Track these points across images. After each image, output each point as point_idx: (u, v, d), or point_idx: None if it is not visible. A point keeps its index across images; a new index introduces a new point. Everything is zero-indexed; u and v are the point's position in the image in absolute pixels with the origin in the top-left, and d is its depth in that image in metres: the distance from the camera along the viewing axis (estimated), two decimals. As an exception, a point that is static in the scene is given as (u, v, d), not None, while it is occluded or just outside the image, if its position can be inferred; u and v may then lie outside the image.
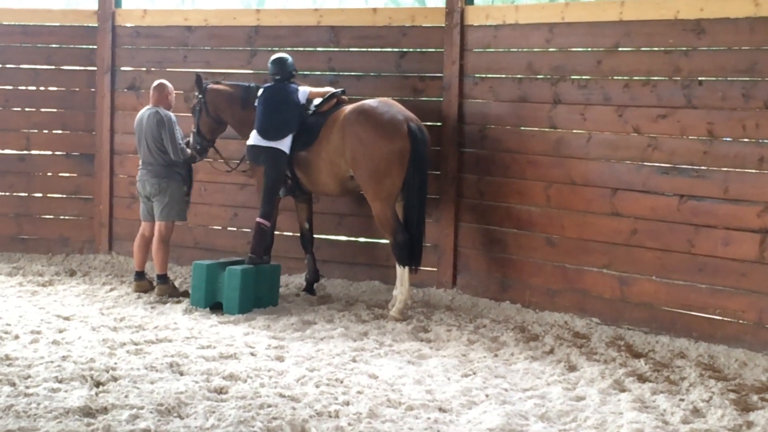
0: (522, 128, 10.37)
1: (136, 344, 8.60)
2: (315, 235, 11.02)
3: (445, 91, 10.85)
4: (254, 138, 10.43)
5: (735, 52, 8.87)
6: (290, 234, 11.59)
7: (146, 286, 10.85)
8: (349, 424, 6.69)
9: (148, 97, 11.01)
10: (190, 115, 11.13)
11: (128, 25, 12.46)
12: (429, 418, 6.91)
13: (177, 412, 6.85)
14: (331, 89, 10.72)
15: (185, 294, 10.65)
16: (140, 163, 10.83)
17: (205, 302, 10.15)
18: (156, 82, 10.89)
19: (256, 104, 10.55)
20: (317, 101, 10.56)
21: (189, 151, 10.84)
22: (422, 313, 10.14)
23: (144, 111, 10.81)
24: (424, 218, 10.12)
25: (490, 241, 10.63)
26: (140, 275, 10.93)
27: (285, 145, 10.37)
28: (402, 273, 10.03)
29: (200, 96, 10.94)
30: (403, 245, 9.98)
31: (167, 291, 10.67)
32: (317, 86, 10.91)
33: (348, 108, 10.25)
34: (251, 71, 11.61)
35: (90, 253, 12.55)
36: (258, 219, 10.46)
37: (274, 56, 10.68)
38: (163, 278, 10.72)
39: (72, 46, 12.69)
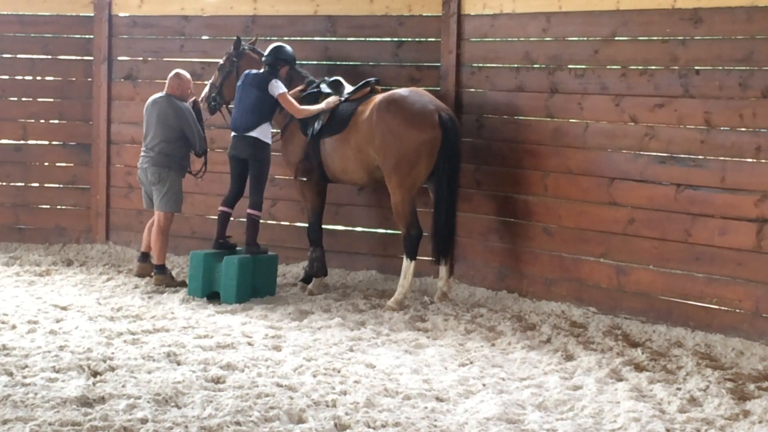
0: (519, 117, 10.36)
1: (133, 334, 8.60)
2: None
3: (442, 80, 10.84)
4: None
5: (732, 42, 8.86)
6: (287, 223, 11.60)
7: (148, 270, 10.87)
8: (347, 414, 6.69)
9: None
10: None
11: (125, 14, 12.44)
12: (426, 408, 6.91)
13: (174, 401, 6.85)
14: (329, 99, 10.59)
15: (182, 284, 10.65)
16: (143, 148, 10.83)
17: (202, 292, 10.16)
18: (177, 71, 10.88)
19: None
20: (349, 89, 10.55)
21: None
22: (419, 303, 10.15)
23: (157, 97, 10.79)
24: (454, 209, 10.12)
25: (487, 230, 10.62)
26: (145, 257, 10.94)
27: (261, 133, 10.37)
28: (407, 266, 10.02)
29: (235, 59, 10.95)
30: (415, 239, 9.98)
31: (164, 281, 10.67)
32: (316, 76, 10.90)
33: (379, 97, 10.20)
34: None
35: (87, 243, 12.55)
36: (248, 210, 10.44)
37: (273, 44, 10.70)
38: (161, 268, 10.72)
39: (69, 35, 12.67)
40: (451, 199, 10.02)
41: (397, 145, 9.87)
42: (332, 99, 10.39)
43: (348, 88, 10.61)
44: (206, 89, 11.07)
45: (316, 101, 10.53)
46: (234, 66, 10.95)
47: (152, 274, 10.81)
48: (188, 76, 10.93)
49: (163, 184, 10.66)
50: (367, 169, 10.22)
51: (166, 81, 10.88)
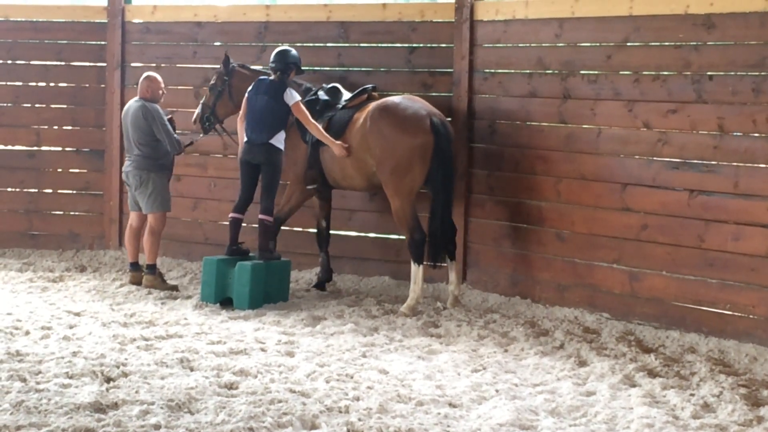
0: (531, 123, 10.36)
1: (146, 340, 8.61)
2: (324, 230, 11.04)
3: (455, 86, 10.85)
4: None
5: (745, 47, 8.85)
6: (300, 229, 11.62)
7: (141, 278, 10.89)
8: (360, 420, 6.69)
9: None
10: (197, 102, 11.17)
11: (138, 21, 12.49)
12: (439, 414, 6.91)
13: (187, 407, 6.86)
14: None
15: (173, 288, 10.70)
16: (126, 154, 10.97)
17: (215, 298, 10.17)
18: (146, 74, 10.94)
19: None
20: (347, 96, 10.60)
21: (183, 142, 10.92)
22: (432, 309, 10.15)
23: (131, 103, 10.91)
24: (450, 214, 10.12)
25: (500, 236, 10.62)
26: (135, 266, 10.98)
27: (274, 139, 10.37)
28: (416, 271, 10.03)
29: (226, 77, 10.98)
30: (420, 243, 9.99)
31: (154, 282, 10.71)
32: (326, 82, 10.95)
33: (373, 104, 10.24)
34: (260, 67, 11.61)
35: (100, 249, 12.57)
36: (260, 216, 10.44)
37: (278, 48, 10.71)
38: (152, 268, 10.78)
39: (82, 42, 12.72)
40: (447, 203, 10.03)
41: (390, 151, 9.91)
42: (340, 150, 10.24)
43: (346, 95, 10.65)
44: (198, 109, 11.09)
45: (313, 108, 10.54)
46: (225, 84, 10.98)
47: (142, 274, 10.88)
48: (158, 77, 10.94)
49: (146, 186, 10.72)
50: (365, 176, 10.27)
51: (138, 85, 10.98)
